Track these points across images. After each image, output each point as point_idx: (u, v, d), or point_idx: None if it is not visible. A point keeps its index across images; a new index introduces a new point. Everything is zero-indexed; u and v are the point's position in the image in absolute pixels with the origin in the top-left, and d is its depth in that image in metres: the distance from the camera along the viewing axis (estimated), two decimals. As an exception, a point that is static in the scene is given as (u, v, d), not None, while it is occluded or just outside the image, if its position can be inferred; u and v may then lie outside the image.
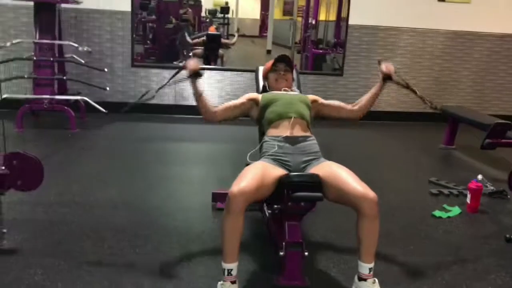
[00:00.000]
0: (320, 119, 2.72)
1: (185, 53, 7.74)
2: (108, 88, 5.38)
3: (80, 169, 3.89)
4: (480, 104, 6.57)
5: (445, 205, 3.43)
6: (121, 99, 5.79)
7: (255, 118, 2.65)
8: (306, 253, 2.28)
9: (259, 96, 2.64)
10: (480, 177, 3.84)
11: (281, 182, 2.20)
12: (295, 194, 2.16)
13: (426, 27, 6.28)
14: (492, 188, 3.73)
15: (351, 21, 6.18)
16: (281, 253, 2.27)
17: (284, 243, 2.27)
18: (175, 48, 7.62)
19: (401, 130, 6.05)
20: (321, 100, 2.68)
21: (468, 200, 3.40)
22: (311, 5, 8.26)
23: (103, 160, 4.18)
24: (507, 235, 2.92)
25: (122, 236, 2.73)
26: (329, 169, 2.24)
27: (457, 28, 6.33)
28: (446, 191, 3.71)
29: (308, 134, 2.46)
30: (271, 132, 2.46)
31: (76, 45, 5.00)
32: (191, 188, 3.64)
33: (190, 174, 3.99)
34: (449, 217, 3.28)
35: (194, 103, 2.52)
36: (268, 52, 10.02)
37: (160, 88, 2.51)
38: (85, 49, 5.02)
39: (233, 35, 9.48)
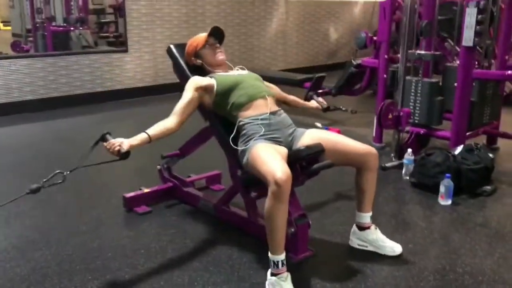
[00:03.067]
0: None
1: None
2: None
3: None
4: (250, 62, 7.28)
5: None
6: None
7: (209, 104, 2.42)
8: (310, 222, 2.33)
9: (211, 81, 2.40)
10: (319, 124, 4.44)
11: (294, 158, 2.15)
12: (314, 167, 2.16)
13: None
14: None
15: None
16: (292, 230, 2.25)
17: (292, 219, 2.25)
18: None
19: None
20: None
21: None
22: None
23: None
24: (383, 165, 3.55)
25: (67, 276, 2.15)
26: (321, 137, 2.29)
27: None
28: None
29: (280, 107, 2.42)
30: (247, 113, 2.30)
31: None
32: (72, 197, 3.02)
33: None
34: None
35: None
36: None
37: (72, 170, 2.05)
38: None
39: None
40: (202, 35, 2.57)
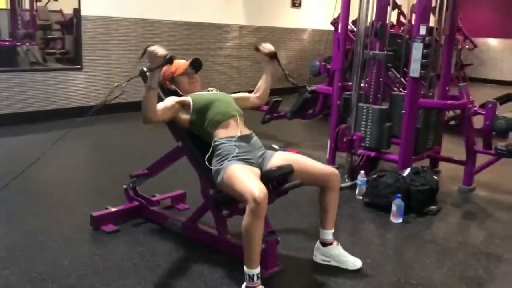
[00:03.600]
0: None
1: None
2: None
3: None
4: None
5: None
6: None
7: (186, 121, 2.52)
8: (279, 238, 2.47)
9: (188, 99, 2.53)
10: (276, 146, 4.63)
11: (267, 177, 2.29)
12: (286, 186, 2.31)
13: (154, 17, 6.54)
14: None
15: (84, 12, 5.84)
16: (263, 246, 2.37)
17: (263, 236, 2.37)
18: None
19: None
20: (233, 95, 2.77)
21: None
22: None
23: None
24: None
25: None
26: (289, 158, 2.46)
27: (189, 19, 6.87)
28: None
29: (251, 130, 2.56)
30: (221, 133, 2.43)
31: None
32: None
33: None
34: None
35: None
36: None
37: (127, 81, 2.28)
38: None
39: None
40: (182, 62, 2.69)
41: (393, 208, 3.19)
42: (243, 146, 2.42)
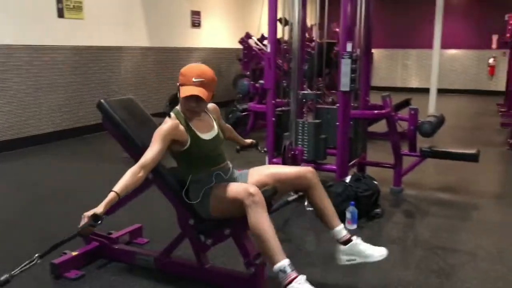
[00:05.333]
0: None
1: None
2: None
3: None
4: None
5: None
6: None
7: (176, 152, 2.41)
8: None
9: (186, 138, 2.34)
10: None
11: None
12: (273, 208, 2.33)
13: (49, 43, 6.14)
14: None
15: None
16: (252, 270, 2.37)
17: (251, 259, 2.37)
18: None
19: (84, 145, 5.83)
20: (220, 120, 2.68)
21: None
22: None
23: None
24: (287, 199, 3.86)
25: None
26: (263, 173, 2.49)
27: (76, 43, 6.52)
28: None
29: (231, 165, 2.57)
30: (202, 169, 2.42)
31: None
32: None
33: None
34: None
35: None
36: None
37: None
38: None
39: None
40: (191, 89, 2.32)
41: (348, 215, 3.36)
42: (221, 175, 2.42)
